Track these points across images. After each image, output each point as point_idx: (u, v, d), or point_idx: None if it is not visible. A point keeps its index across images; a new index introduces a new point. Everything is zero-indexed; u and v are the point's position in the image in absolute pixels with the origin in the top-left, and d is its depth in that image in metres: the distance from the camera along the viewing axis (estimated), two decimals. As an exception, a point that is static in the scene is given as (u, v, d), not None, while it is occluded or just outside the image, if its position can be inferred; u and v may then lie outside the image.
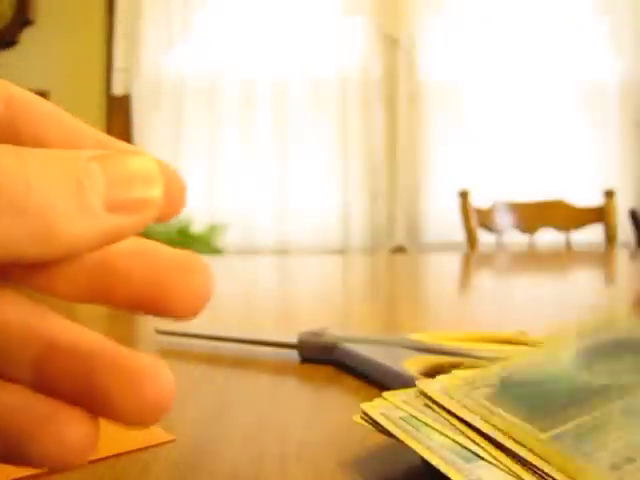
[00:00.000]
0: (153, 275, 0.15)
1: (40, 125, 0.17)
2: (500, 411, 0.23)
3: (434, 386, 0.25)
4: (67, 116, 0.17)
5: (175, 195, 0.16)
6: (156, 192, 0.14)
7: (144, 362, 0.14)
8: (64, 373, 0.14)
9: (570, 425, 0.22)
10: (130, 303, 0.15)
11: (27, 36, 2.32)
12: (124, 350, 0.14)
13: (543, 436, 0.21)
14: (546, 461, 0.20)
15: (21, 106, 0.17)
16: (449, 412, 0.23)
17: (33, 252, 0.13)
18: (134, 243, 0.16)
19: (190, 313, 0.15)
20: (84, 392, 0.14)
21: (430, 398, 0.24)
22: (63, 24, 2.33)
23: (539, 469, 0.20)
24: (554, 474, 0.20)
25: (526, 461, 0.20)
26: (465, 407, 0.23)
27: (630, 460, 0.20)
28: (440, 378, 0.26)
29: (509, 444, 0.21)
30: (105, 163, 0.14)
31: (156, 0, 2.31)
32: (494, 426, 0.22)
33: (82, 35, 2.35)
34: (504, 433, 0.22)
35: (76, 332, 0.15)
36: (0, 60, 2.29)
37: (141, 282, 0.15)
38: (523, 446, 0.21)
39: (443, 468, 0.20)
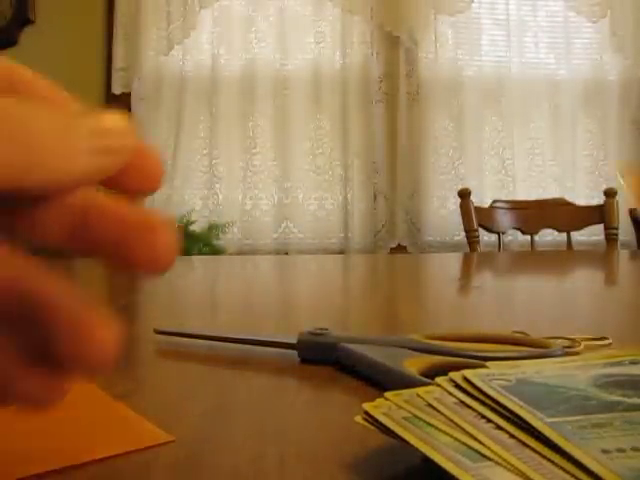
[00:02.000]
0: (118, 231, 0.18)
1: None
2: (512, 397, 0.23)
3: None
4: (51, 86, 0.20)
5: (150, 168, 0.19)
6: (126, 141, 0.18)
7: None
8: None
9: (572, 419, 0.22)
10: (101, 254, 0.18)
11: (27, 36, 2.32)
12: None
13: (547, 419, 0.22)
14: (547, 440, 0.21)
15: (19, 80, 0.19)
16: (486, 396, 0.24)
17: (30, 180, 0.16)
18: (107, 201, 0.19)
19: (152, 270, 0.18)
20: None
21: (470, 382, 0.25)
22: (63, 24, 2.33)
23: (538, 451, 0.20)
24: (551, 456, 0.20)
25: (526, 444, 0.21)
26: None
27: (620, 450, 0.20)
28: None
29: (511, 429, 0.21)
30: (87, 117, 0.17)
31: (156, 0, 2.30)
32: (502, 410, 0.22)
33: (82, 35, 2.35)
34: (511, 413, 0.22)
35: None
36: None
37: (108, 237, 0.18)
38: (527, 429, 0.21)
39: (450, 468, 0.20)
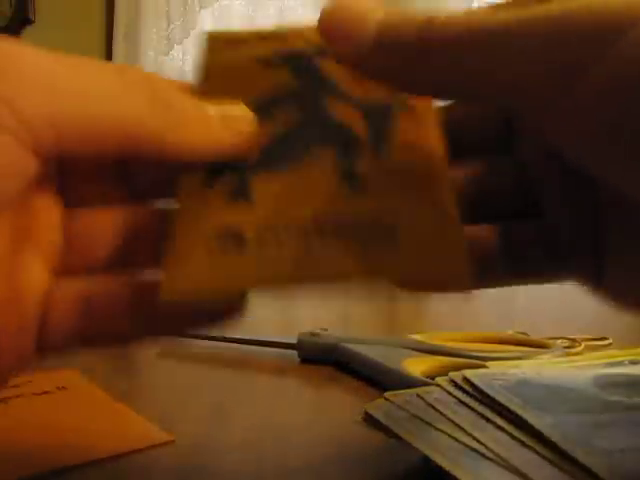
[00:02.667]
0: None
1: None
2: (512, 397, 0.23)
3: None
4: None
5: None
6: (249, 122, 0.21)
7: None
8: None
9: (572, 419, 0.22)
10: None
11: (27, 35, 2.32)
12: None
13: (547, 419, 0.22)
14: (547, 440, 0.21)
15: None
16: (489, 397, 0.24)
17: (171, 139, 0.19)
18: None
19: None
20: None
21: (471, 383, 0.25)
22: (63, 23, 2.33)
23: (538, 451, 0.20)
24: (551, 456, 0.20)
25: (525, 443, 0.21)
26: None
27: (620, 450, 0.20)
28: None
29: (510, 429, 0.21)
30: (218, 103, 0.20)
31: (156, 0, 2.30)
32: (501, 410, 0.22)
33: (82, 35, 2.34)
34: (511, 413, 0.22)
35: None
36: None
37: None
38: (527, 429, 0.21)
39: (450, 468, 0.20)
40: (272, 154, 0.21)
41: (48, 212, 0.21)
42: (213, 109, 0.20)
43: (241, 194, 0.21)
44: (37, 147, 0.17)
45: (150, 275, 0.21)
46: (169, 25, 2.31)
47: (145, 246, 0.21)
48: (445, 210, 0.20)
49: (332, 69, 0.22)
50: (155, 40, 2.32)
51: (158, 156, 0.20)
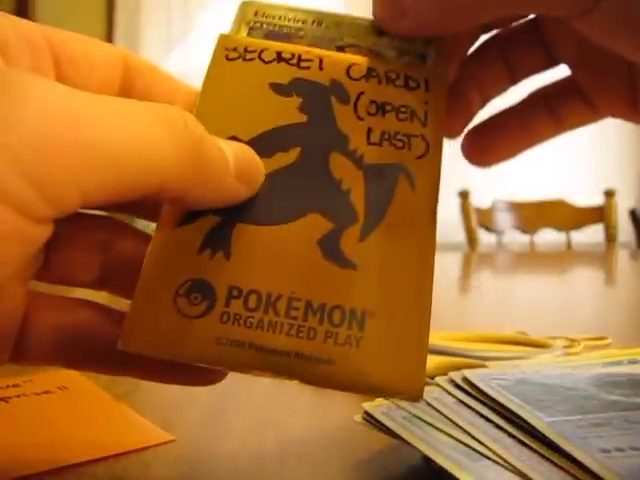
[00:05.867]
0: None
1: (149, 81, 0.22)
2: (511, 397, 0.23)
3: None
4: (165, 74, 0.22)
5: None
6: (261, 174, 0.20)
7: None
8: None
9: (571, 418, 0.22)
10: None
11: (27, 36, 2.32)
12: None
13: (547, 419, 0.22)
14: (546, 440, 0.21)
15: (133, 66, 0.21)
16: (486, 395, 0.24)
17: (197, 194, 0.18)
18: None
19: None
20: None
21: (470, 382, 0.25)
22: (63, 24, 2.32)
23: (537, 451, 0.20)
24: (550, 455, 0.20)
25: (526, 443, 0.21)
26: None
27: (619, 449, 0.20)
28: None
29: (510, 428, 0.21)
30: (234, 147, 0.19)
31: (156, 0, 2.30)
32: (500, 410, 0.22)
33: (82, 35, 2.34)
34: (510, 413, 0.22)
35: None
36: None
37: None
38: (527, 429, 0.21)
39: (449, 467, 0.20)
40: (260, 204, 0.20)
41: None
42: (232, 159, 0.19)
43: (220, 245, 0.19)
44: (52, 210, 0.14)
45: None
46: (169, 25, 2.31)
47: (126, 270, 0.20)
48: (422, 314, 0.19)
49: (344, 114, 0.21)
50: (155, 40, 2.32)
51: (174, 203, 0.19)
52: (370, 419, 0.24)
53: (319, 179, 0.20)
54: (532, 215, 1.87)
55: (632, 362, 0.28)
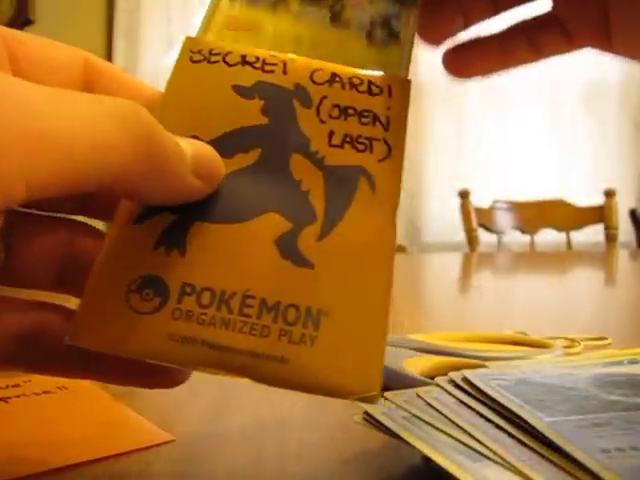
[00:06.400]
0: None
1: (109, 83, 0.22)
2: (511, 397, 0.23)
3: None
4: (129, 77, 0.22)
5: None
6: (220, 172, 0.20)
7: None
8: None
9: (571, 418, 0.22)
10: None
11: (27, 36, 2.32)
12: None
13: (547, 419, 0.22)
14: (547, 440, 0.21)
15: (95, 69, 0.22)
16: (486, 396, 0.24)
17: (150, 190, 0.18)
18: None
19: None
20: None
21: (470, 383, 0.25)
22: (63, 24, 2.33)
23: (537, 451, 0.20)
24: (550, 455, 0.20)
25: (526, 443, 0.21)
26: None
27: (619, 449, 0.20)
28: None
29: (511, 429, 0.21)
30: (193, 144, 0.19)
31: (156, 0, 2.30)
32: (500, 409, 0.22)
33: (82, 35, 2.34)
34: (510, 413, 0.22)
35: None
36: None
37: None
38: (527, 429, 0.21)
39: (449, 468, 0.20)
40: (218, 203, 0.20)
41: None
42: (190, 155, 0.18)
43: (175, 242, 0.19)
44: None
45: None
46: (169, 25, 2.31)
47: (87, 271, 0.20)
48: (379, 315, 0.19)
49: (307, 117, 0.21)
50: (155, 40, 2.32)
51: (128, 198, 0.19)
52: (370, 419, 0.24)
53: (279, 179, 0.21)
54: (532, 215, 1.87)
55: (632, 362, 0.28)
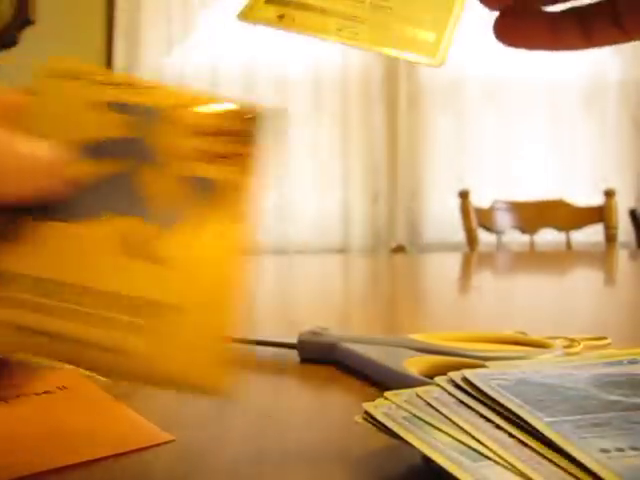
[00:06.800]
0: None
1: None
2: (511, 397, 0.23)
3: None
4: None
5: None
6: (71, 175, 0.20)
7: None
8: None
9: (571, 418, 0.22)
10: None
11: (27, 36, 2.32)
12: None
13: (547, 419, 0.22)
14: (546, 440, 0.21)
15: None
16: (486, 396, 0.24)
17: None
18: None
19: None
20: None
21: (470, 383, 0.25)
22: (63, 24, 2.33)
23: (537, 451, 0.20)
24: (550, 455, 0.20)
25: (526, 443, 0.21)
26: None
27: (619, 449, 0.20)
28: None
29: (511, 428, 0.21)
30: (45, 148, 0.20)
31: (156, 0, 2.30)
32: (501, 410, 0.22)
33: (82, 35, 2.34)
34: (510, 413, 0.22)
35: None
36: (0, 60, 2.29)
37: None
38: (527, 429, 0.21)
39: (449, 468, 0.20)
40: (66, 204, 0.21)
41: None
42: (45, 155, 0.20)
43: (11, 236, 0.20)
44: None
45: None
46: (169, 25, 2.31)
47: None
48: (225, 310, 0.20)
49: (165, 134, 0.22)
50: (155, 40, 2.32)
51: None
52: (370, 419, 0.24)
53: (130, 186, 0.22)
54: (532, 215, 1.87)
55: (632, 362, 0.28)
